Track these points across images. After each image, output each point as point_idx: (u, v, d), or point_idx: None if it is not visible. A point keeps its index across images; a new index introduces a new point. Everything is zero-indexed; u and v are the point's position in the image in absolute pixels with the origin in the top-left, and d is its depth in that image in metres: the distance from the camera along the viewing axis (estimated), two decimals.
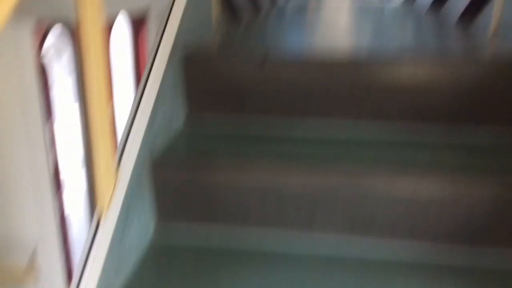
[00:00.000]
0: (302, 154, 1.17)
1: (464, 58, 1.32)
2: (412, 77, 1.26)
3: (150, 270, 1.04)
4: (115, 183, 0.94)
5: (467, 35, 1.76)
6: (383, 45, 1.61)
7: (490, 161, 1.13)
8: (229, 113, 1.35)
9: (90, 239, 0.89)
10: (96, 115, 0.89)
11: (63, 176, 2.93)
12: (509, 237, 1.03)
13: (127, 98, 2.99)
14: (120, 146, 1.04)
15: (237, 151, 1.18)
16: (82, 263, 0.87)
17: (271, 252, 1.08)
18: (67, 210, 3.02)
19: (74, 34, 2.54)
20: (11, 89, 2.24)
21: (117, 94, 2.94)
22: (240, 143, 1.23)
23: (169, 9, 1.40)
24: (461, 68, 1.25)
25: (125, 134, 1.07)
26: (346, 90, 1.28)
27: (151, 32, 2.13)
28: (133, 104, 1.14)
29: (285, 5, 4.10)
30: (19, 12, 1.11)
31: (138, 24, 1.95)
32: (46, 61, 2.70)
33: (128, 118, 1.11)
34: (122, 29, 2.03)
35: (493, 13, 1.66)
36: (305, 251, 1.09)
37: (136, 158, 1.04)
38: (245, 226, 1.13)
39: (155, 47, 1.28)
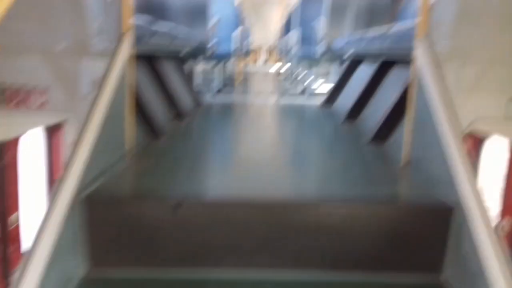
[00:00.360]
0: None
1: (381, 199, 1.31)
2: (329, 220, 1.22)
3: None
4: None
5: (381, 159, 1.80)
6: (299, 178, 1.57)
7: None
8: (136, 267, 1.20)
9: None
10: None
11: None
12: None
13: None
14: None
15: None
16: None
17: None
18: None
19: None
20: None
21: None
22: None
23: (78, 135, 1.28)
24: (378, 210, 1.24)
25: None
26: (263, 235, 1.20)
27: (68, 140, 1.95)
28: (22, 263, 0.96)
29: (213, 100, 4.16)
30: None
31: (53, 133, 1.79)
32: None
33: (13, 283, 0.93)
34: (34, 140, 1.85)
35: (404, 136, 1.72)
36: None
37: None
38: None
39: (57, 185, 1.14)
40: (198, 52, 3.70)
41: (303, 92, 5.37)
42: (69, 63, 1.33)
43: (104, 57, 1.48)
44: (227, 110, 3.52)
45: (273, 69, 13.04)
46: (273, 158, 1.85)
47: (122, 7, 1.52)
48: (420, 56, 1.58)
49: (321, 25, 3.97)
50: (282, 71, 10.70)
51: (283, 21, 10.09)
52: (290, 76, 8.18)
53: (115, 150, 1.57)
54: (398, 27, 2.04)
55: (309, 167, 1.71)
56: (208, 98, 4.25)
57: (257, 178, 1.50)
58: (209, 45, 3.79)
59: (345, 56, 3.50)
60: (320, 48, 3.91)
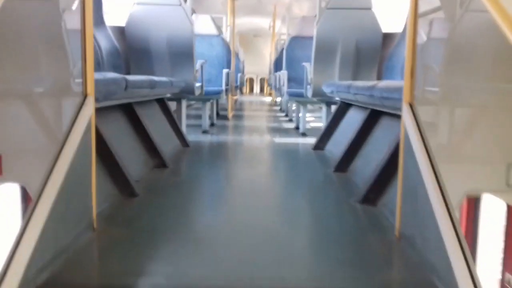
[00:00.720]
0: None
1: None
2: None
3: None
4: None
5: (373, 227, 1.67)
6: (283, 257, 1.39)
7: None
8: None
9: None
10: None
11: None
12: None
13: None
14: None
15: None
16: None
17: None
18: None
19: None
20: None
21: None
22: None
23: (31, 207, 1.14)
24: None
25: None
26: None
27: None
28: None
29: (202, 139, 4.05)
30: None
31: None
32: None
33: None
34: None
35: (396, 204, 1.59)
36: None
37: None
38: None
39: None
40: (184, 93, 3.61)
41: (296, 128, 5.29)
42: (25, 127, 1.22)
43: (65, 119, 1.36)
44: (216, 153, 3.40)
45: (266, 99, 13.09)
46: (257, 223, 1.70)
47: (85, 68, 1.42)
48: (407, 121, 1.48)
49: (309, 69, 3.90)
50: (274, 102, 10.70)
51: (275, 55, 10.17)
52: (282, 111, 8.13)
53: (79, 220, 1.43)
54: (386, 83, 1.95)
55: (295, 240, 1.55)
56: (197, 137, 4.14)
57: (235, 256, 1.35)
58: (196, 86, 3.71)
59: (334, 100, 3.42)
60: (309, 91, 3.84)
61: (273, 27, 10.59)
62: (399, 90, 1.68)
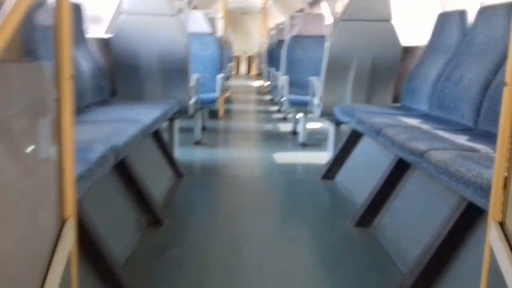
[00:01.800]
0: None
1: None
2: None
3: None
4: None
5: None
6: None
7: None
8: None
9: None
10: None
11: None
12: None
13: None
14: None
15: None
16: None
17: None
18: None
19: None
20: None
21: None
22: None
23: None
24: None
25: None
26: None
27: None
28: None
29: (194, 156, 3.67)
30: None
31: None
32: None
33: None
34: None
35: None
36: None
37: None
38: None
39: None
40: (178, 114, 3.18)
41: (293, 133, 4.94)
42: None
43: (40, 257, 0.98)
44: (213, 187, 2.99)
45: (254, 84, 12.57)
46: None
47: (64, 191, 1.01)
48: (497, 246, 1.13)
49: (316, 84, 3.48)
50: (264, 87, 10.24)
51: (268, 40, 9.63)
52: (274, 103, 7.70)
53: None
54: (443, 158, 1.58)
55: None
56: (190, 152, 3.79)
57: None
58: (191, 104, 3.28)
59: (348, 127, 3.05)
60: (317, 109, 3.44)
61: (266, 7, 10.02)
62: (470, 184, 1.32)
